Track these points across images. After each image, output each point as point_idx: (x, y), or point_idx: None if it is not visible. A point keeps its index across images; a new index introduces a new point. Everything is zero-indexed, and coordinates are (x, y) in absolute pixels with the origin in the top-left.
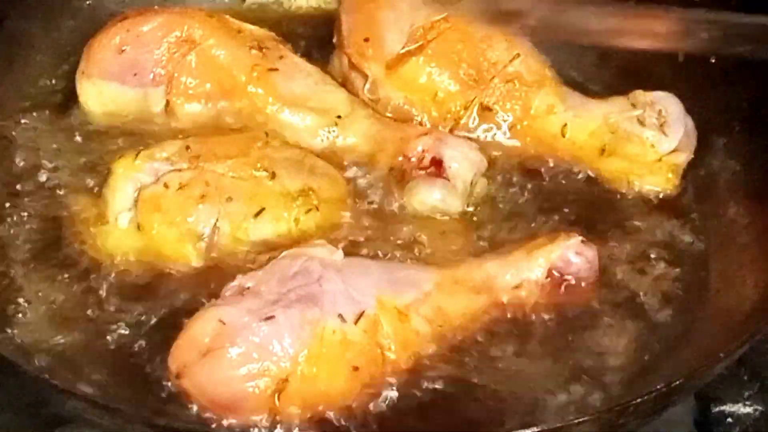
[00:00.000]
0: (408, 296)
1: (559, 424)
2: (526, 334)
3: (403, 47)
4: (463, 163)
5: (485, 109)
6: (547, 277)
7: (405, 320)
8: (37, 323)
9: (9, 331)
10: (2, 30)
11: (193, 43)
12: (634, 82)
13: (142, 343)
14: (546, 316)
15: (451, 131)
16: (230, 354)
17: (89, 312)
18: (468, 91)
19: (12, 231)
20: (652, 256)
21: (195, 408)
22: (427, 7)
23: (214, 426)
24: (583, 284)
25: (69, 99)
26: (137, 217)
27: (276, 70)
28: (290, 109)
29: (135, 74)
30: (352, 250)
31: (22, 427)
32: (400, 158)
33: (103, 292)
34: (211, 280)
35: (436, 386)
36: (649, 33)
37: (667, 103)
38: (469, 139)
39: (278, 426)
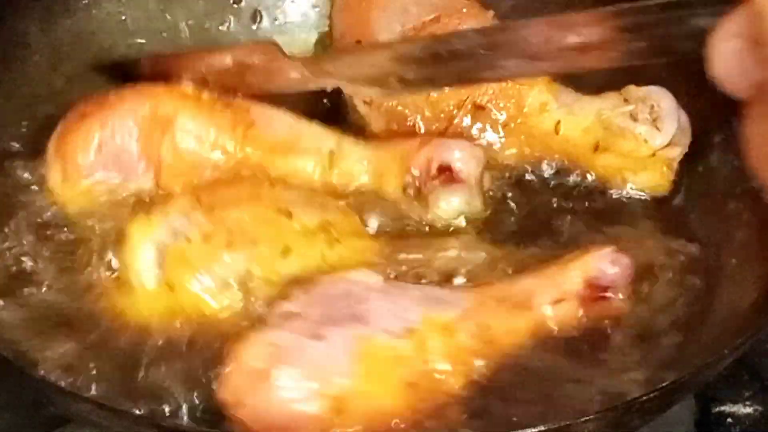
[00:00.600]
0: (451, 313)
1: (561, 423)
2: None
3: None
4: (470, 161)
5: (478, 108)
6: (585, 289)
7: (451, 336)
8: None
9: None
10: None
11: (167, 120)
12: (628, 77)
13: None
14: None
15: (444, 131)
16: (285, 376)
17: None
18: (461, 90)
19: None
20: (651, 254)
21: None
22: (417, 7)
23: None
24: (619, 294)
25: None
26: (165, 276)
27: (253, 123)
28: (284, 156)
29: (120, 167)
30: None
31: (22, 427)
32: (408, 176)
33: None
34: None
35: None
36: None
37: (660, 98)
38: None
39: None
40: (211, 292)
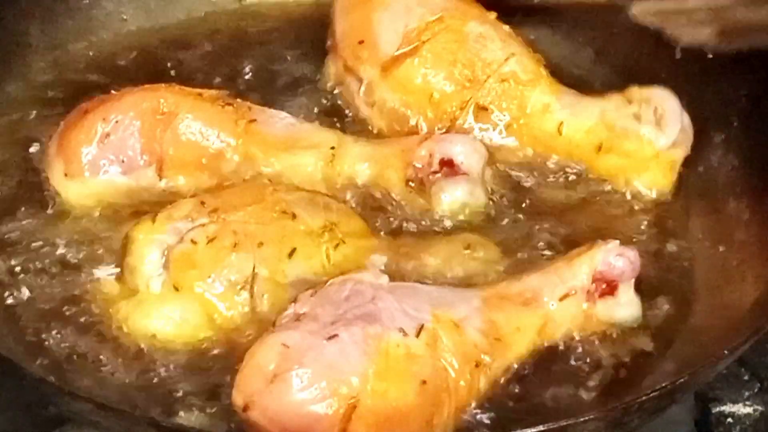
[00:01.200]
0: (460, 311)
1: (561, 423)
2: None
3: (398, 49)
4: (472, 155)
5: (481, 109)
6: (592, 283)
7: (462, 333)
8: None
9: None
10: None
11: (171, 115)
12: (630, 78)
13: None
14: None
15: (447, 132)
16: (299, 376)
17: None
18: (464, 91)
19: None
20: (651, 253)
21: None
22: (420, 8)
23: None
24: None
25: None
26: (171, 279)
27: (255, 120)
28: (285, 153)
29: (123, 161)
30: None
31: (22, 427)
32: (410, 169)
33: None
34: (261, 327)
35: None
36: None
37: (663, 99)
38: None
39: None
40: (217, 294)
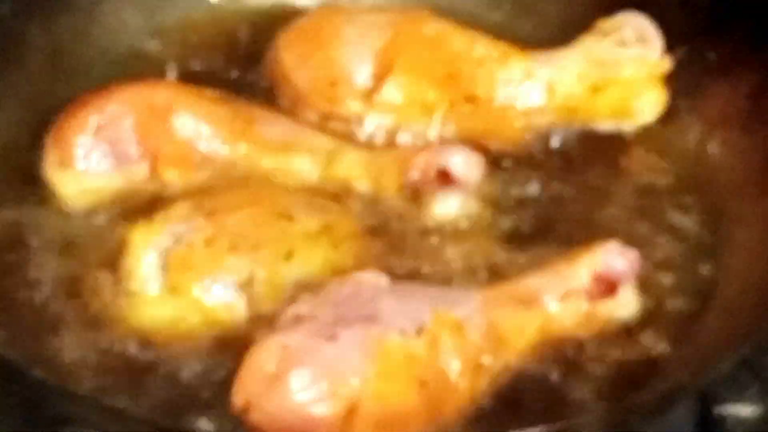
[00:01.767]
0: (461, 311)
1: (562, 423)
2: None
3: (372, 73)
4: (468, 166)
5: (470, 99)
6: (593, 284)
7: (462, 334)
8: None
9: None
10: None
11: (167, 111)
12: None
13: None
14: None
15: (440, 142)
16: (299, 377)
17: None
18: (447, 88)
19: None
20: (652, 253)
21: None
22: (374, 30)
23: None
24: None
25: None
26: (169, 281)
27: (254, 120)
28: (281, 154)
29: (117, 154)
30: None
31: (22, 427)
32: (406, 178)
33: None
34: (259, 330)
35: None
36: None
37: (635, 19)
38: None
39: None
40: (214, 296)
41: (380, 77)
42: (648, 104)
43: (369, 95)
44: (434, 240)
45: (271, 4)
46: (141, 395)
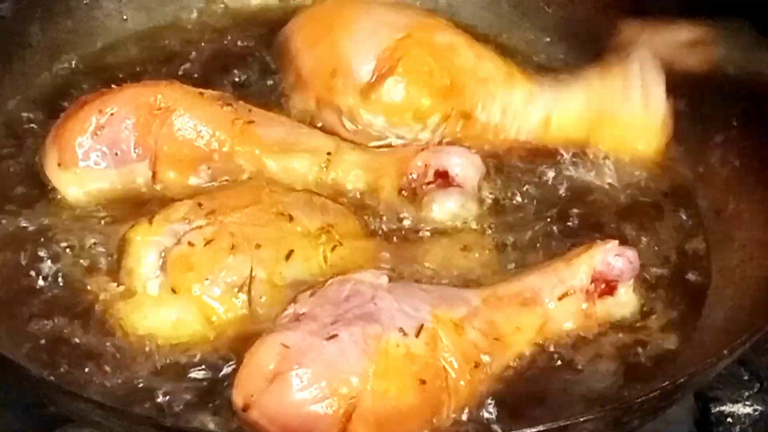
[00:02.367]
0: (460, 311)
1: (562, 423)
2: None
3: (374, 72)
4: (468, 168)
5: (466, 116)
6: (591, 283)
7: (462, 333)
8: None
9: None
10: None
11: (168, 111)
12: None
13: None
14: None
15: (439, 144)
16: (299, 376)
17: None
18: (445, 101)
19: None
20: (652, 253)
21: None
22: (386, 28)
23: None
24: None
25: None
26: (169, 281)
27: (253, 121)
28: (281, 155)
29: (117, 153)
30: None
31: (22, 427)
32: (405, 179)
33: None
34: (260, 328)
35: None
36: None
37: (642, 65)
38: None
39: None
40: (214, 296)
41: (381, 76)
42: (644, 149)
43: (366, 91)
44: (433, 240)
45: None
46: (141, 395)
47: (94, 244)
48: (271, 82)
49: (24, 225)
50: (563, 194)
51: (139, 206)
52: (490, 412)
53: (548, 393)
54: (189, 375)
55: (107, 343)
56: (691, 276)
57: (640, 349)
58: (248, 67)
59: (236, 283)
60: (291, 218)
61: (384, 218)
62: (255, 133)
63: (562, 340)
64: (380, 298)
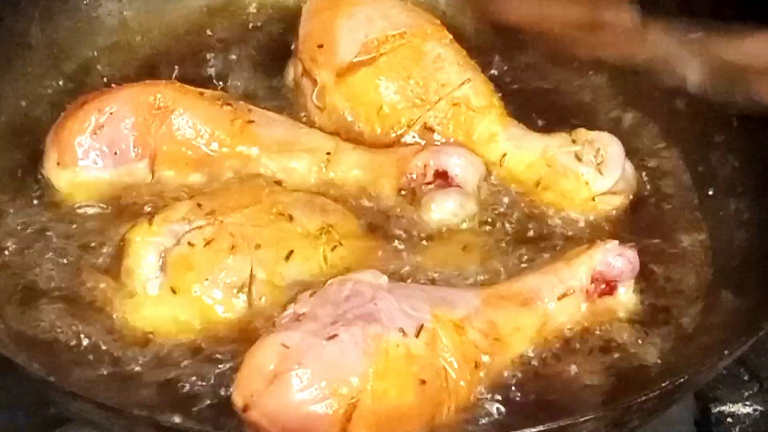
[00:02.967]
0: (460, 311)
1: (562, 423)
2: None
3: (355, 57)
4: (468, 168)
5: (428, 130)
6: (591, 283)
7: (462, 333)
8: None
9: None
10: (0, 30)
11: (167, 111)
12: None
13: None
14: None
15: (390, 145)
16: (299, 376)
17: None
18: (413, 109)
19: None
20: (652, 253)
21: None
22: (383, 21)
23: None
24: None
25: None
26: (169, 281)
27: (253, 121)
28: (280, 155)
29: (116, 153)
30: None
31: (22, 427)
32: (404, 179)
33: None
34: (258, 329)
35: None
36: None
37: (608, 143)
38: None
39: None
40: (215, 296)
41: (360, 62)
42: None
43: (342, 73)
44: (432, 241)
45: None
46: (141, 394)
47: (94, 243)
48: (276, 83)
49: (23, 224)
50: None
51: (138, 205)
52: (489, 412)
53: (548, 393)
54: (188, 375)
55: (107, 343)
56: (690, 276)
57: (639, 349)
58: (255, 69)
59: (236, 284)
60: (291, 218)
61: (384, 219)
62: (254, 132)
63: (562, 340)
64: (380, 298)
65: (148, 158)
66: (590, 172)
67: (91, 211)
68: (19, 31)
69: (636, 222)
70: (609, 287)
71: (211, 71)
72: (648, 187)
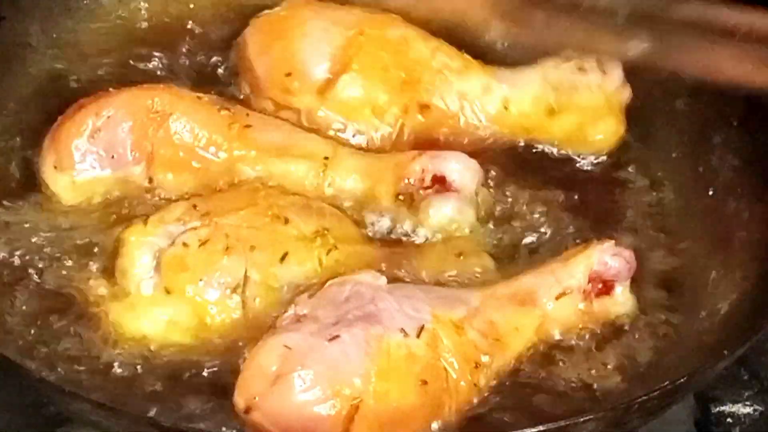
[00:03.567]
0: (459, 311)
1: (562, 423)
2: None
3: (329, 70)
4: (465, 173)
5: (424, 107)
6: (588, 283)
7: (462, 333)
8: None
9: None
10: (0, 30)
11: (165, 115)
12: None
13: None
14: None
15: (398, 137)
16: (301, 377)
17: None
18: (402, 93)
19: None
20: (651, 253)
21: None
22: (337, 27)
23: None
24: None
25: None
26: (163, 282)
27: (251, 126)
28: (278, 159)
29: (113, 156)
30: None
31: (22, 427)
32: (402, 183)
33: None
34: (253, 329)
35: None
36: None
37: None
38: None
39: None
40: (209, 296)
41: (336, 73)
42: (603, 133)
43: (323, 90)
44: (429, 246)
45: None
46: (139, 395)
47: (89, 245)
48: None
49: (20, 226)
50: (557, 198)
51: (134, 209)
52: (489, 412)
53: (547, 393)
54: (185, 375)
55: (103, 343)
56: (690, 276)
57: (638, 349)
58: None
59: (230, 285)
60: (286, 221)
61: (380, 223)
62: (252, 137)
63: (560, 339)
64: (380, 299)
65: (145, 162)
66: (598, 76)
67: (87, 213)
68: (20, 32)
69: (633, 222)
70: (606, 287)
71: (213, 70)
72: (648, 187)
